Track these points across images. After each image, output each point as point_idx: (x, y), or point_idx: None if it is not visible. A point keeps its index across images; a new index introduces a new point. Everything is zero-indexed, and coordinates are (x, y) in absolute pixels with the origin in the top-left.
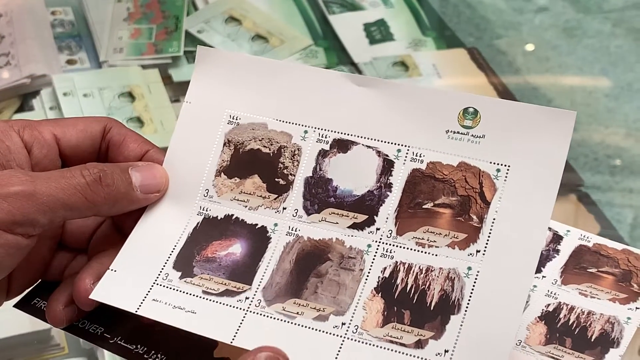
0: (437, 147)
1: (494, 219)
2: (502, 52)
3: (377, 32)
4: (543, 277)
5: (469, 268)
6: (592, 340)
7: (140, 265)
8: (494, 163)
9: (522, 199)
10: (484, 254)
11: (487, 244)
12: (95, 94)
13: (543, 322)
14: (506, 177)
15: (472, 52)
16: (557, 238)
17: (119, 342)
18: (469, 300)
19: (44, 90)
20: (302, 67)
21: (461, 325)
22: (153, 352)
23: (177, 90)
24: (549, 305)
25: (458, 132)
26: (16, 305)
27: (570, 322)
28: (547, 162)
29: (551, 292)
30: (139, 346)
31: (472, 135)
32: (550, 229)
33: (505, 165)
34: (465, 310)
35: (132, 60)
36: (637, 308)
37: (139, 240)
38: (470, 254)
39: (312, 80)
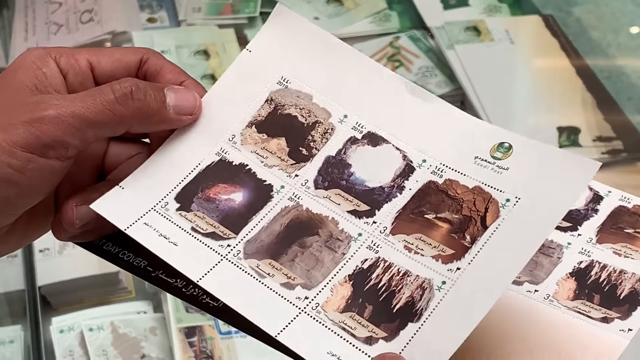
0: (461, 168)
1: (485, 243)
2: (581, 25)
3: None
4: (579, 235)
5: (444, 282)
6: (621, 298)
7: (145, 189)
8: (506, 192)
9: (517, 231)
10: (462, 272)
11: (469, 263)
12: (172, 51)
13: (573, 278)
14: (513, 208)
15: (547, 19)
16: (597, 198)
17: (160, 275)
18: (432, 312)
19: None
20: (365, 58)
21: (415, 333)
22: (191, 286)
23: None
24: (581, 262)
25: (486, 161)
26: None
27: (601, 280)
28: (555, 203)
29: (585, 250)
30: (178, 280)
31: (498, 166)
32: (591, 188)
33: (515, 197)
34: (424, 321)
35: (210, 20)
36: None
37: (154, 165)
38: (450, 270)
39: (370, 73)
